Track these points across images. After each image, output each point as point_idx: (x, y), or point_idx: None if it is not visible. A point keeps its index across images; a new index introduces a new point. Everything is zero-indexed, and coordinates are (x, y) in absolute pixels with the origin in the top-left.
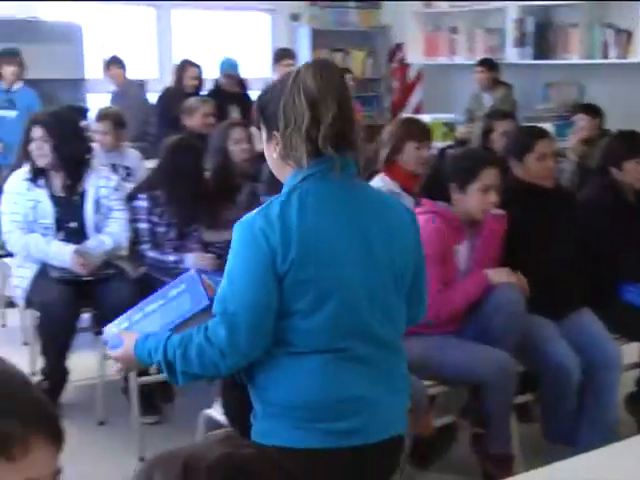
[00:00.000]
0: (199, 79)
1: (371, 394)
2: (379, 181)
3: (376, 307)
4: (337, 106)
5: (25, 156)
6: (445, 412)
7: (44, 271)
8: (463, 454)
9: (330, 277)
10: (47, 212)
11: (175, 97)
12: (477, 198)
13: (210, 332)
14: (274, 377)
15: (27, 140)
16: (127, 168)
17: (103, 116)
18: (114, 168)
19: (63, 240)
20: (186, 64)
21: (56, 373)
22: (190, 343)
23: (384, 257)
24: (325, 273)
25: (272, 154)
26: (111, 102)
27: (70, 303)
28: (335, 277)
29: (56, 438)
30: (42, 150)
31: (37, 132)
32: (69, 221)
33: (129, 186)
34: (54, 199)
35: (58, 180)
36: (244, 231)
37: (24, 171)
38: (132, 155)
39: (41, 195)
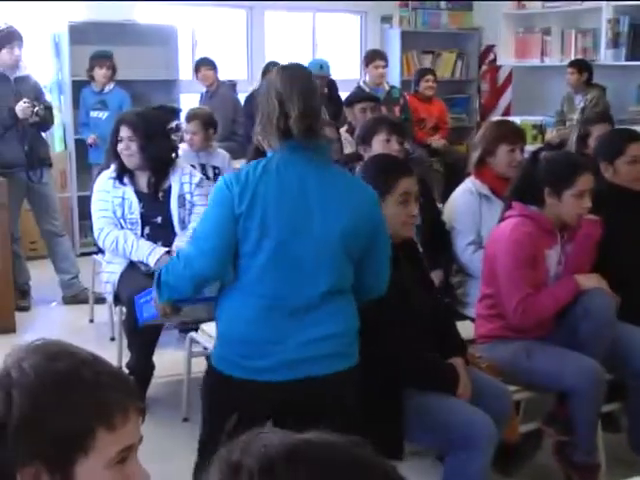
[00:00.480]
0: None
1: (294, 340)
2: (469, 183)
3: (314, 261)
4: (302, 102)
5: (114, 155)
6: (530, 418)
7: (133, 266)
8: (547, 462)
9: (271, 227)
10: (133, 208)
11: None
12: (572, 203)
13: (181, 251)
14: (224, 311)
15: (115, 140)
16: (216, 168)
17: (192, 116)
18: (203, 168)
19: (149, 235)
20: (273, 64)
21: (142, 368)
22: (169, 261)
23: (331, 221)
24: (267, 222)
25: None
26: (201, 102)
27: None
28: (275, 227)
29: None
30: (129, 150)
31: (124, 132)
32: (155, 216)
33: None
34: (139, 195)
35: (143, 178)
36: (218, 183)
37: (111, 170)
38: (221, 155)
39: (127, 192)
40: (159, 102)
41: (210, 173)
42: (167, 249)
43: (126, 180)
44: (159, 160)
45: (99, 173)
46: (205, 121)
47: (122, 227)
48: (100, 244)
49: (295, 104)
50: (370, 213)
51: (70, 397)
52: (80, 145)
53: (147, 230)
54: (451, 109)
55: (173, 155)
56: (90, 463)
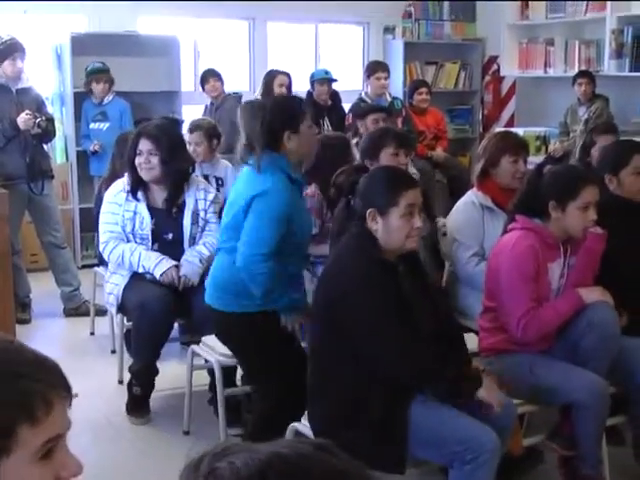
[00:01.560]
0: (288, 87)
1: None
2: (471, 195)
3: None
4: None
5: (130, 169)
6: (534, 432)
7: (137, 275)
8: (551, 475)
9: None
10: (145, 224)
11: None
12: (577, 216)
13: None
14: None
15: (133, 153)
16: (219, 179)
17: (196, 127)
18: (206, 179)
19: (157, 251)
20: (274, 73)
21: (147, 372)
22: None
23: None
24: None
25: None
26: (205, 115)
27: (167, 302)
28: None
29: (68, 390)
30: (150, 164)
31: (145, 145)
32: (166, 232)
33: (222, 196)
34: (152, 211)
35: (159, 193)
36: None
37: (123, 182)
38: (223, 165)
39: (139, 207)
40: (160, 113)
41: (213, 184)
42: (175, 263)
43: (140, 195)
44: (180, 174)
45: (105, 187)
46: (209, 132)
47: (129, 241)
48: (105, 257)
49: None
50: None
51: None
52: (82, 157)
53: (156, 247)
54: (454, 120)
55: (190, 169)
56: (13, 460)
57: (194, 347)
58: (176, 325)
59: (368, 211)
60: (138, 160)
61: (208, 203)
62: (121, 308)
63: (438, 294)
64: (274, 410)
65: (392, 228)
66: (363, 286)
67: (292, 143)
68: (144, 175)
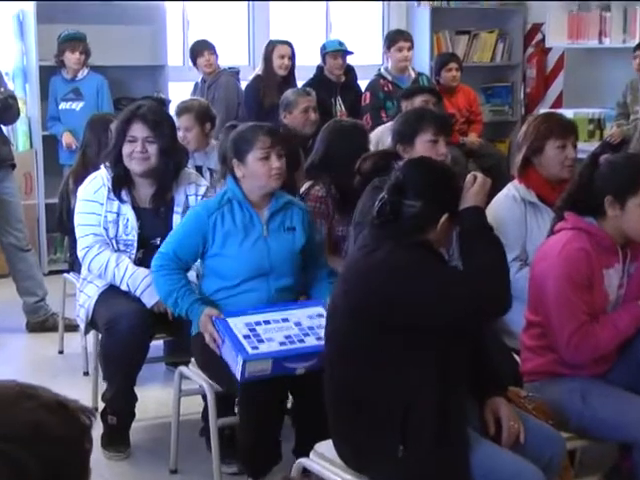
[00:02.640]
0: (291, 59)
1: None
2: (512, 189)
3: None
4: None
5: (116, 160)
6: (588, 471)
7: (114, 287)
8: None
9: None
10: (130, 227)
11: (267, 86)
12: (638, 214)
13: None
14: None
15: (121, 140)
16: (214, 171)
17: (185, 109)
18: (199, 171)
19: (141, 260)
20: (273, 43)
21: (123, 400)
22: None
23: None
24: None
25: None
26: (195, 93)
27: (141, 318)
28: None
29: None
30: (146, 153)
31: (141, 130)
32: (153, 237)
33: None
34: (137, 211)
35: (145, 189)
36: None
37: (102, 176)
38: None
39: (124, 208)
40: (143, 92)
41: (207, 177)
42: None
43: (124, 194)
44: (175, 165)
45: (74, 180)
46: (200, 114)
47: (113, 249)
48: (85, 266)
49: None
50: None
51: None
52: (49, 143)
53: (141, 254)
54: (490, 100)
55: (185, 161)
56: None
57: (182, 369)
58: (161, 343)
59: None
60: (129, 148)
61: (199, 199)
62: (92, 324)
63: None
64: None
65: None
66: (418, 269)
67: (239, 173)
68: (136, 167)
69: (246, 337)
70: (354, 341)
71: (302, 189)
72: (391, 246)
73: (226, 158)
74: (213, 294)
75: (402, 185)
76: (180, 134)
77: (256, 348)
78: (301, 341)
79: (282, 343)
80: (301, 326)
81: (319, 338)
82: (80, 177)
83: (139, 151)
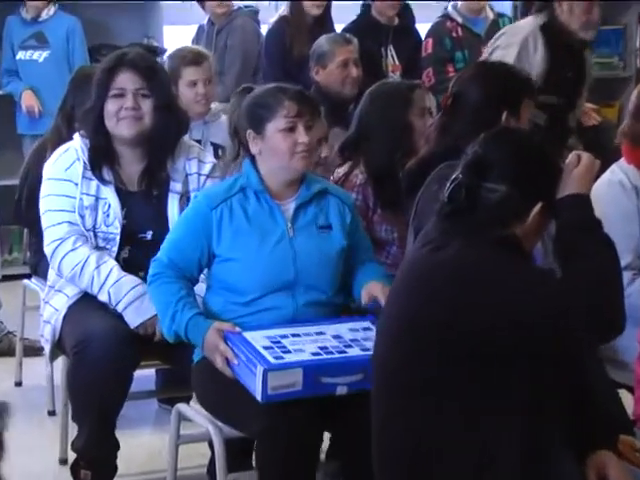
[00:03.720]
0: None
1: None
2: (617, 172)
3: None
4: None
5: (97, 124)
6: None
7: (88, 296)
8: None
9: None
10: (112, 216)
11: (295, 31)
12: None
13: None
14: None
15: (103, 95)
16: (219, 147)
17: (203, 56)
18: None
19: (126, 260)
20: None
21: (99, 449)
22: None
23: None
24: None
25: None
26: (198, 41)
27: (125, 338)
28: None
29: None
30: (139, 111)
31: (129, 81)
32: (143, 230)
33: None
34: (122, 196)
35: (133, 165)
36: None
37: (74, 148)
38: (224, 125)
39: (104, 190)
40: (130, 39)
41: (210, 154)
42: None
43: (106, 172)
44: (179, 131)
45: (51, 153)
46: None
47: (93, 245)
48: (54, 265)
49: None
50: None
51: None
52: (3, 105)
53: (125, 252)
54: (595, 49)
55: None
56: None
57: (181, 407)
58: (152, 373)
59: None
60: (116, 105)
61: (203, 179)
62: (61, 347)
63: None
64: None
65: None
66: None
67: (255, 148)
68: (125, 129)
69: (267, 348)
70: (409, 372)
71: (335, 173)
72: (464, 243)
73: (239, 131)
74: (220, 312)
75: (482, 163)
76: (191, 93)
77: (281, 358)
78: (342, 352)
79: (315, 354)
80: (342, 339)
81: (365, 349)
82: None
83: (130, 107)
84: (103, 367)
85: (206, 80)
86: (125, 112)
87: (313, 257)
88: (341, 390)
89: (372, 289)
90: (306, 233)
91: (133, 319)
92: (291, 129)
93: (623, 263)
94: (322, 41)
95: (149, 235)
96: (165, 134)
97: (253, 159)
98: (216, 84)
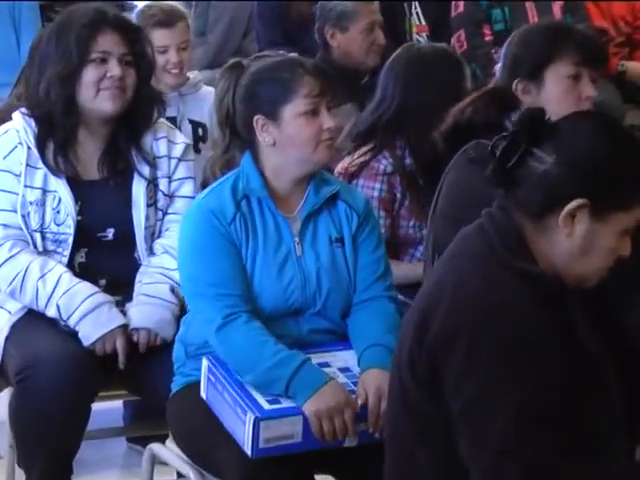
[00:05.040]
0: None
1: None
2: None
3: None
4: None
5: (63, 97)
6: None
7: (34, 313)
8: None
9: None
10: (64, 213)
11: None
12: None
13: None
14: None
15: (79, 59)
16: (199, 125)
17: (178, 16)
18: (172, 123)
19: (82, 265)
20: None
21: None
22: None
23: None
24: None
25: None
26: None
27: (80, 362)
28: None
29: None
30: (123, 81)
31: (113, 43)
32: (102, 228)
33: (205, 154)
34: (76, 187)
35: (90, 151)
36: None
37: (17, 130)
38: (206, 97)
39: (54, 181)
40: None
41: (188, 133)
42: (121, 323)
43: (57, 159)
44: (152, 103)
45: None
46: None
47: (37, 248)
48: None
49: None
50: None
51: None
52: None
53: (81, 256)
54: None
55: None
56: None
57: (154, 448)
58: (119, 406)
59: (578, 201)
60: (97, 72)
61: (174, 163)
62: (2, 374)
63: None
64: None
65: (600, 248)
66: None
67: (268, 138)
68: (107, 102)
69: None
70: (431, 416)
71: (345, 162)
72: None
73: (231, 118)
74: (204, 345)
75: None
76: (162, 59)
77: (277, 402)
78: (351, 391)
79: None
80: (350, 372)
81: None
82: None
83: (117, 75)
84: (53, 398)
85: (179, 45)
86: (109, 81)
87: (324, 280)
88: (351, 441)
89: (366, 384)
90: (316, 250)
91: (89, 333)
92: (314, 112)
93: None
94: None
95: (110, 234)
96: (145, 113)
97: (252, 153)
98: (192, 48)
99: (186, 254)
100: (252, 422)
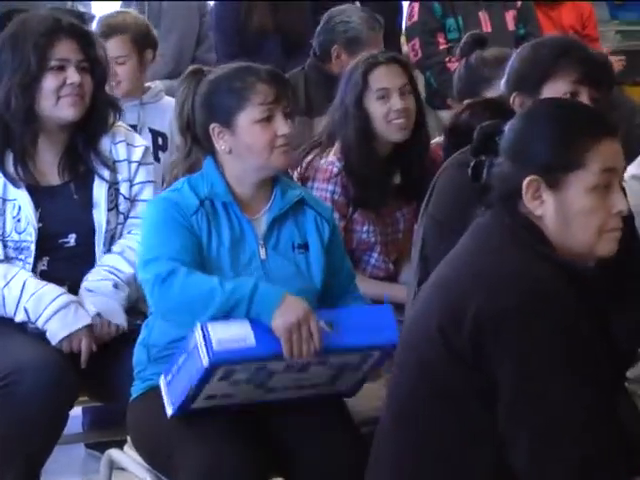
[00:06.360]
0: None
1: None
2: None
3: None
4: None
5: (26, 106)
6: None
7: (3, 320)
8: None
9: None
10: (24, 221)
11: None
12: None
13: None
14: None
15: (38, 66)
16: (159, 134)
17: (116, 28)
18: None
19: (45, 273)
20: None
21: None
22: None
23: None
24: None
25: None
26: (129, 4)
27: (60, 369)
28: None
29: None
30: (82, 88)
31: (71, 51)
32: (63, 234)
33: (165, 164)
34: (36, 194)
35: (49, 156)
36: None
37: None
38: (167, 107)
39: (13, 190)
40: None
41: (147, 142)
42: (87, 323)
43: (16, 166)
44: (107, 109)
45: None
46: (139, 37)
47: None
48: None
49: None
50: None
51: None
52: None
53: (43, 264)
54: (617, 15)
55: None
56: None
57: (113, 453)
58: (78, 411)
59: (527, 179)
60: (57, 80)
61: (134, 167)
62: None
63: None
64: None
65: (575, 212)
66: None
67: (224, 145)
68: (68, 110)
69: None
70: (460, 390)
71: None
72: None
73: (191, 124)
74: (168, 346)
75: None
76: None
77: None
78: None
79: None
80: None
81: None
82: None
83: (76, 82)
84: (37, 403)
85: (115, 59)
86: (69, 88)
87: (289, 286)
88: (310, 356)
89: None
90: (281, 255)
91: (56, 332)
92: (268, 119)
93: None
94: (356, 21)
95: (72, 239)
96: (102, 118)
97: (214, 158)
98: (135, 61)
99: (145, 233)
100: (200, 329)
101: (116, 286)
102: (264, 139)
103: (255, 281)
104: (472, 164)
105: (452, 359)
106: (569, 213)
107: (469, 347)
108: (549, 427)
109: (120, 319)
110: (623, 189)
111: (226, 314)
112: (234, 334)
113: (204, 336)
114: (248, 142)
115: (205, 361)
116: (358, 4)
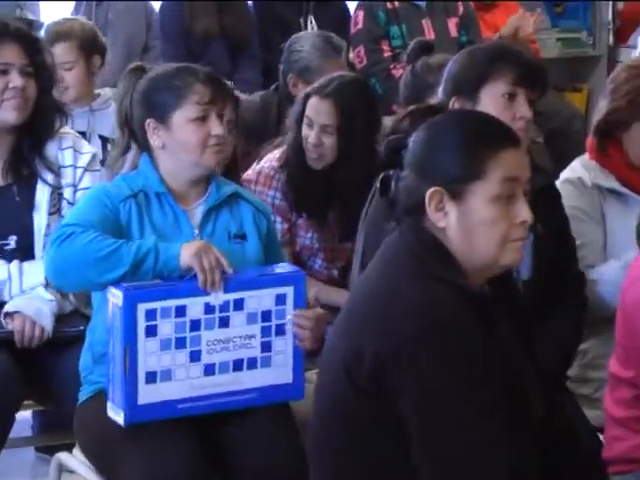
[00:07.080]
0: None
1: None
2: (579, 169)
3: None
4: None
5: None
6: None
7: None
8: None
9: None
10: None
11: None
12: None
13: None
14: None
15: None
16: (107, 140)
17: (62, 35)
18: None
19: None
20: None
21: None
22: None
23: None
24: None
25: None
26: (76, 13)
27: (9, 374)
28: None
29: None
30: (24, 92)
31: (13, 55)
32: (3, 236)
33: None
34: None
35: None
36: None
37: None
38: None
39: None
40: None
41: (97, 148)
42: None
43: None
44: (52, 114)
45: None
46: (86, 43)
47: None
48: None
49: None
50: None
51: None
52: None
53: None
54: (557, 22)
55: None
56: None
57: (61, 457)
58: (27, 416)
59: (430, 191)
60: (0, 84)
61: (80, 172)
62: None
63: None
64: None
65: (478, 223)
66: (445, 339)
67: (158, 141)
68: (10, 113)
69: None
70: (366, 422)
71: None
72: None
73: (129, 120)
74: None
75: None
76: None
77: None
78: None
79: None
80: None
81: None
82: None
83: (19, 86)
84: None
85: (62, 65)
86: (12, 92)
87: None
88: (216, 299)
89: None
90: (216, 243)
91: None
92: (203, 118)
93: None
94: (307, 50)
95: (12, 241)
96: (47, 123)
97: (150, 154)
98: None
99: (68, 213)
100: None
101: (46, 286)
102: (197, 137)
103: (155, 237)
104: (379, 178)
105: (359, 397)
106: (472, 224)
107: (373, 385)
108: (450, 458)
109: (47, 322)
110: (554, 194)
111: (136, 268)
112: (146, 283)
113: (117, 287)
114: (182, 139)
115: (120, 301)
116: (315, 26)
